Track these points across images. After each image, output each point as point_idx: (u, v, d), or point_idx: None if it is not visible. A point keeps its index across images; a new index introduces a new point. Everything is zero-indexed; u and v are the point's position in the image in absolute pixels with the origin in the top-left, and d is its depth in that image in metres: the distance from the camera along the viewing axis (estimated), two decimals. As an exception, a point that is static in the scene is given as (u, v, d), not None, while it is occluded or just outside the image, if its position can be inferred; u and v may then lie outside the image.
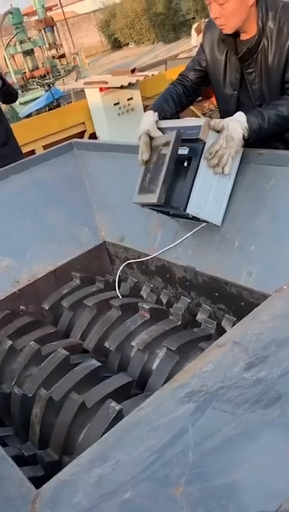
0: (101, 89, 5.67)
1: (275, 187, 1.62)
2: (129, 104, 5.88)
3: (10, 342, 1.75)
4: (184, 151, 1.65)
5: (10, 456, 1.13)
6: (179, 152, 1.63)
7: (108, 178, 2.29)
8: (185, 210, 1.61)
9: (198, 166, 1.61)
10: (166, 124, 1.77)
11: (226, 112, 1.89)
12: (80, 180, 2.37)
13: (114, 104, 5.78)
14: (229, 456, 0.82)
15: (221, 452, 0.84)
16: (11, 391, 1.58)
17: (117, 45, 23.40)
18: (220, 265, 1.71)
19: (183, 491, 0.78)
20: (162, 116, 1.82)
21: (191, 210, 1.62)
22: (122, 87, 5.65)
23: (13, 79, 11.76)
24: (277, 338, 1.15)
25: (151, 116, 1.77)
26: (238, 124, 1.61)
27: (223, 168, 1.61)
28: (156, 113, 1.80)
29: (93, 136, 5.98)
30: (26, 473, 1.10)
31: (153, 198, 1.62)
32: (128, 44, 22.68)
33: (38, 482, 1.03)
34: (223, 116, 1.87)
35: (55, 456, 1.39)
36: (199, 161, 1.61)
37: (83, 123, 5.93)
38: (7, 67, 12.39)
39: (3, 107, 3.45)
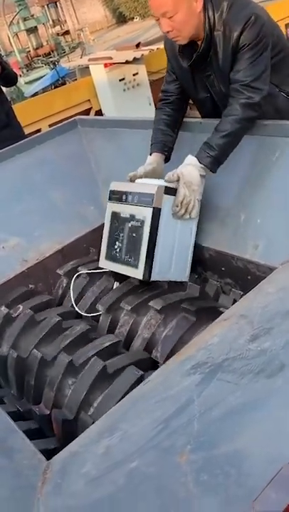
0: (106, 65, 5.58)
1: (281, 159, 1.60)
2: (134, 80, 5.78)
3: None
4: (133, 211, 1.70)
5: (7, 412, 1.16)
6: (128, 213, 1.70)
7: (113, 154, 2.27)
8: (149, 278, 1.64)
9: (151, 231, 1.63)
10: (120, 186, 1.80)
11: (207, 114, 1.93)
12: (85, 158, 2.36)
13: (120, 80, 5.69)
14: (232, 425, 0.83)
15: (224, 421, 0.85)
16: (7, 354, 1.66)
17: (122, 19, 22.94)
18: (226, 240, 1.71)
19: (187, 459, 0.80)
20: (167, 152, 1.87)
21: (155, 277, 1.66)
22: (127, 62, 5.55)
23: (17, 58, 11.63)
24: (282, 309, 1.16)
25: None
26: (191, 167, 1.65)
27: (190, 214, 1.67)
28: (162, 156, 1.86)
29: (99, 113, 5.92)
30: (37, 446, 1.13)
31: (137, 274, 1.66)
32: (133, 18, 22.22)
33: (48, 454, 1.07)
34: (204, 117, 1.95)
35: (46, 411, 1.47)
36: (155, 226, 1.63)
37: (88, 100, 5.86)
38: (11, 45, 12.25)
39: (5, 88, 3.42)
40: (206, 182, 1.70)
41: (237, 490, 0.68)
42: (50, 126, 5.08)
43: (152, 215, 1.63)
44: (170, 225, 1.68)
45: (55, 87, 8.46)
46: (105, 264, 1.81)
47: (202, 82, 1.81)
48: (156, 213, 1.63)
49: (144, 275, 1.63)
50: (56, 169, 2.30)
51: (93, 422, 1.23)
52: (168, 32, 1.64)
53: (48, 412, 1.45)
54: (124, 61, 5.54)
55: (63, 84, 8.55)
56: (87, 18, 22.87)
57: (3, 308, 1.84)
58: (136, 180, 1.81)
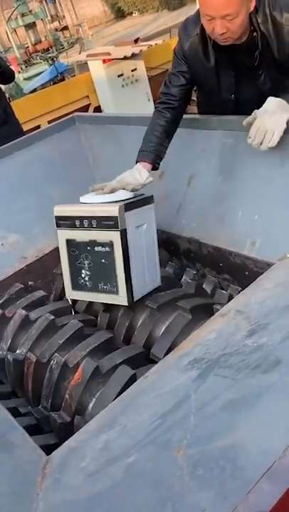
0: (104, 61, 5.57)
1: (279, 155, 1.60)
2: (133, 75, 5.77)
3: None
4: (93, 236, 1.60)
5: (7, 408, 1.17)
6: (86, 239, 1.61)
7: (111, 151, 2.28)
8: (133, 301, 1.57)
9: (124, 254, 1.55)
10: (67, 211, 1.68)
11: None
12: (83, 155, 2.36)
13: (118, 76, 5.68)
14: (228, 420, 0.84)
15: (221, 416, 0.86)
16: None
17: (120, 14, 22.85)
18: (224, 236, 1.72)
19: (184, 454, 0.81)
20: (157, 165, 1.76)
21: (137, 297, 1.59)
22: (125, 57, 5.54)
23: (16, 54, 11.60)
24: (279, 305, 1.16)
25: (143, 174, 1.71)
26: (271, 99, 1.54)
27: (269, 143, 1.50)
28: (150, 168, 1.73)
29: (98, 109, 5.91)
30: (37, 441, 1.14)
31: (120, 301, 1.57)
32: (132, 13, 22.13)
33: (48, 449, 1.08)
34: None
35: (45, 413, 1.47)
36: (126, 248, 1.56)
37: (87, 96, 5.85)
38: (9, 41, 12.21)
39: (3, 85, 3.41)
40: (204, 180, 1.70)
41: (232, 483, 0.69)
42: (49, 122, 5.08)
43: (121, 238, 1.54)
44: (136, 240, 1.60)
45: (54, 83, 8.44)
46: (75, 295, 1.70)
47: (229, 83, 1.76)
48: (124, 235, 1.55)
49: (128, 300, 1.56)
50: (54, 166, 2.30)
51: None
52: (222, 34, 1.54)
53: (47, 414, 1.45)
54: (122, 57, 5.53)
55: (62, 80, 8.53)
56: (86, 13, 22.78)
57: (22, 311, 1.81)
58: (80, 198, 1.71)
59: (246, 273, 1.65)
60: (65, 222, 1.66)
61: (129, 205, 1.58)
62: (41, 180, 2.25)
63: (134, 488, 0.82)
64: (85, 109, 5.82)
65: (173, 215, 1.91)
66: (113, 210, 1.54)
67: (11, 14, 11.90)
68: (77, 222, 1.62)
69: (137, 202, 1.65)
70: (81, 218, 1.61)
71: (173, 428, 0.90)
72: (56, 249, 2.10)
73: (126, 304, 1.56)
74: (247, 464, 0.71)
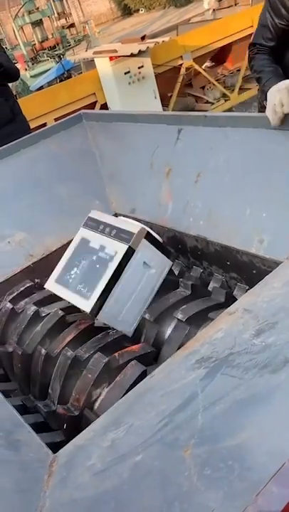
0: (111, 58, 5.56)
1: (288, 152, 1.59)
2: (140, 73, 5.76)
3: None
4: (105, 243, 1.59)
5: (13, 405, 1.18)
6: (98, 244, 1.61)
7: (118, 148, 2.27)
8: (96, 315, 1.53)
9: (117, 269, 1.53)
10: (101, 216, 1.71)
11: None
12: (90, 152, 2.36)
13: (125, 73, 5.67)
14: (236, 420, 0.84)
15: (228, 416, 0.86)
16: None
17: (127, 11, 22.82)
18: (231, 234, 1.71)
19: (191, 453, 0.80)
20: None
21: (101, 317, 1.54)
22: (132, 55, 5.53)
23: (23, 51, 11.62)
24: (287, 304, 1.15)
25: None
26: None
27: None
28: None
29: (105, 106, 5.91)
30: (44, 439, 1.14)
31: (85, 306, 1.53)
32: (138, 10, 22.08)
33: (54, 447, 1.08)
34: None
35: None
36: (123, 265, 1.54)
37: (94, 94, 5.84)
38: (16, 39, 12.23)
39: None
40: (211, 177, 1.70)
41: (240, 484, 0.68)
42: (55, 120, 5.08)
43: (125, 253, 1.54)
44: (137, 273, 1.59)
45: (60, 81, 8.45)
46: (53, 287, 1.67)
47: None
48: (130, 253, 1.54)
49: (92, 309, 1.51)
50: (61, 163, 2.30)
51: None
52: None
53: (54, 408, 1.46)
54: (129, 54, 5.52)
55: (69, 77, 8.54)
56: (93, 11, 22.77)
57: (8, 304, 1.85)
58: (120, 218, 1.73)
59: (254, 271, 1.64)
60: (92, 223, 1.70)
61: (151, 238, 1.60)
62: (48, 178, 2.25)
63: (141, 488, 0.82)
64: (92, 106, 5.82)
65: (180, 213, 1.90)
66: (134, 227, 1.57)
67: (18, 11, 11.92)
68: (101, 227, 1.65)
69: (160, 244, 1.66)
70: (106, 224, 1.64)
71: (180, 427, 0.90)
72: (62, 247, 2.11)
73: (88, 310, 1.52)
74: (256, 465, 0.70)
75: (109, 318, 1.56)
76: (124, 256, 1.54)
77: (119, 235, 1.58)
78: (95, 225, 1.69)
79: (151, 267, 1.63)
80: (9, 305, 1.83)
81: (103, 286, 1.52)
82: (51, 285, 1.67)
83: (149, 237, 1.60)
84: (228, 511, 0.67)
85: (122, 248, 1.55)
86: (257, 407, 0.84)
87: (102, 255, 1.58)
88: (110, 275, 1.52)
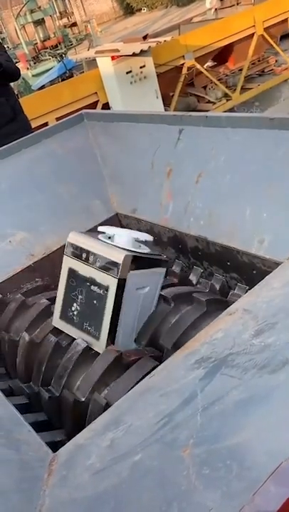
0: (113, 58, 5.57)
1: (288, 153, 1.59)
2: (141, 72, 5.77)
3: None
4: (94, 275, 1.53)
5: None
6: (87, 275, 1.55)
7: (119, 148, 2.27)
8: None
9: (116, 303, 1.49)
10: (80, 240, 1.60)
11: None
12: (91, 152, 2.36)
13: (127, 73, 5.69)
14: (235, 420, 0.84)
15: (227, 416, 0.86)
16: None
17: (129, 10, 22.83)
18: (231, 234, 1.71)
19: (190, 453, 0.81)
20: None
21: (118, 347, 1.52)
22: (134, 54, 5.54)
23: (25, 50, 11.63)
24: (287, 304, 1.16)
25: None
26: None
27: None
28: None
29: (106, 106, 5.92)
30: (44, 438, 1.14)
31: (98, 347, 1.51)
32: (141, 9, 22.08)
33: (55, 447, 1.08)
34: None
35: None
36: (120, 297, 1.50)
37: (96, 93, 5.85)
38: (18, 38, 12.24)
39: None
40: (212, 178, 1.70)
41: (238, 483, 0.69)
42: (57, 119, 5.09)
43: (117, 287, 1.48)
44: (133, 298, 1.55)
45: (62, 80, 8.46)
46: (60, 325, 1.63)
47: None
48: (121, 284, 1.50)
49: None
50: (63, 163, 2.31)
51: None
52: None
53: (58, 395, 1.46)
54: (131, 53, 5.53)
55: (70, 76, 8.55)
56: (95, 10, 22.76)
57: (18, 295, 1.88)
58: (99, 228, 1.65)
59: (254, 272, 1.64)
60: (74, 251, 1.61)
61: (138, 259, 1.53)
62: (49, 178, 2.26)
63: (140, 487, 0.82)
64: (94, 105, 5.83)
65: (181, 213, 1.91)
66: (118, 257, 1.49)
67: (20, 11, 11.94)
68: (84, 255, 1.57)
69: (149, 260, 1.59)
70: (89, 253, 1.56)
71: (179, 427, 0.90)
72: (63, 247, 2.11)
73: (101, 351, 1.50)
74: (254, 465, 0.71)
75: (124, 346, 1.54)
76: (117, 290, 1.49)
77: (106, 266, 1.51)
78: (77, 252, 1.60)
79: (145, 286, 1.58)
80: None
81: (108, 325, 1.49)
82: (57, 322, 1.65)
83: (135, 263, 1.52)
84: (226, 511, 0.68)
85: (112, 282, 1.49)
86: (256, 407, 0.85)
87: (95, 289, 1.53)
88: (111, 312, 1.49)
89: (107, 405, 1.26)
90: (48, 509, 0.88)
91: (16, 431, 1.14)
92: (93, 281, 1.53)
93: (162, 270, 1.65)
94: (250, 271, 1.66)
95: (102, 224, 2.17)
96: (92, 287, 1.54)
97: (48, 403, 1.46)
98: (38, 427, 1.38)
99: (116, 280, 1.48)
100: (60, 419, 1.46)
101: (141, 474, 0.85)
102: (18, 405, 1.49)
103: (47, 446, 1.08)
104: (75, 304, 1.58)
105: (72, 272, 1.60)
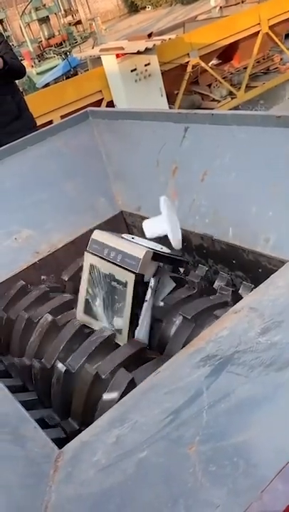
0: (117, 56, 5.56)
1: (294, 151, 1.59)
2: (146, 70, 5.76)
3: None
4: (113, 270, 1.56)
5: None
6: (107, 271, 1.58)
7: (124, 146, 2.27)
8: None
9: (134, 298, 1.51)
10: (104, 237, 1.63)
11: None
12: (96, 150, 2.36)
13: (131, 71, 5.67)
14: (241, 417, 0.84)
15: (233, 413, 0.86)
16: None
17: (134, 8, 22.81)
18: (237, 232, 1.71)
19: (196, 450, 0.81)
20: None
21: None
22: (138, 52, 5.53)
23: (29, 48, 11.63)
24: (293, 303, 1.16)
25: None
26: None
27: None
28: None
29: (111, 104, 5.91)
30: (49, 435, 1.15)
31: (121, 340, 1.55)
32: (145, 7, 22.05)
33: (60, 443, 1.09)
34: None
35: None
36: (135, 294, 1.52)
37: (100, 91, 5.85)
38: (23, 36, 12.25)
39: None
40: (217, 176, 1.70)
41: (244, 481, 0.69)
42: (62, 117, 5.09)
43: (135, 282, 1.51)
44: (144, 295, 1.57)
45: (67, 78, 8.45)
46: (85, 319, 1.67)
47: None
48: (140, 280, 1.52)
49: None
50: (67, 161, 2.31)
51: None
52: None
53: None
54: (135, 51, 5.52)
55: (75, 74, 8.55)
56: (99, 8, 22.74)
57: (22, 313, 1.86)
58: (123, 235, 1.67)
59: (259, 270, 1.64)
60: (96, 247, 1.65)
61: (159, 257, 1.56)
62: (54, 175, 2.26)
63: (146, 484, 0.83)
64: (98, 103, 5.83)
65: (186, 211, 1.90)
66: (139, 252, 1.52)
67: (25, 8, 11.94)
68: (106, 251, 1.60)
69: (170, 259, 1.62)
70: (110, 248, 1.59)
71: (185, 424, 0.90)
72: (68, 245, 2.12)
73: (122, 344, 1.54)
74: (260, 462, 0.71)
75: (143, 339, 1.57)
76: (135, 285, 1.51)
77: (125, 260, 1.54)
78: (99, 248, 1.63)
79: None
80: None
81: (128, 320, 1.53)
82: (82, 317, 1.67)
83: (156, 257, 1.55)
84: (233, 508, 0.68)
85: (131, 278, 1.52)
86: (262, 405, 0.85)
87: (116, 285, 1.57)
88: (130, 307, 1.52)
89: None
90: (54, 505, 0.89)
91: (21, 427, 1.14)
92: (113, 277, 1.57)
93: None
94: (255, 269, 1.65)
95: (107, 222, 2.18)
96: (113, 283, 1.57)
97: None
98: (44, 423, 1.38)
99: (134, 275, 1.50)
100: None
101: (147, 471, 0.86)
102: (24, 402, 1.49)
103: (53, 442, 1.09)
104: (98, 299, 1.62)
105: (92, 268, 1.64)
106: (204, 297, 1.65)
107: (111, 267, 1.58)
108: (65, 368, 1.46)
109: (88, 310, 1.66)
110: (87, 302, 1.66)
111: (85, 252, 1.68)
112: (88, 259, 1.67)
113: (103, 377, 1.38)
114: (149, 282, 1.58)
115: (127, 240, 1.64)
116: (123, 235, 1.68)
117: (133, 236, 1.68)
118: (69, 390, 1.47)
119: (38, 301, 1.85)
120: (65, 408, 1.48)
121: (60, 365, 1.48)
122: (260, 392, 0.89)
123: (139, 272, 1.51)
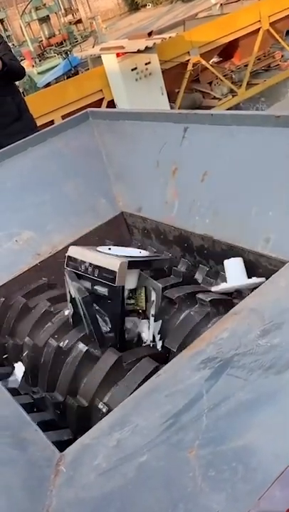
0: (118, 55, 5.55)
1: (294, 151, 1.58)
2: (147, 69, 5.75)
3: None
4: (94, 284, 1.56)
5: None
6: (88, 285, 1.57)
7: (124, 147, 2.27)
8: (124, 350, 1.53)
9: (119, 308, 1.52)
10: (78, 253, 1.64)
11: None
12: (96, 151, 2.36)
13: (132, 70, 5.66)
14: (241, 421, 0.84)
15: (233, 417, 0.86)
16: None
17: (134, 6, 22.76)
18: (237, 233, 1.70)
19: (196, 454, 0.81)
20: None
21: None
22: (138, 51, 5.52)
23: (30, 48, 11.62)
24: (293, 304, 1.15)
25: None
26: None
27: None
28: None
29: (112, 103, 5.90)
30: (50, 438, 1.15)
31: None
32: (146, 5, 22.01)
33: (61, 446, 1.09)
34: None
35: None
36: (120, 303, 1.52)
37: (101, 90, 5.84)
38: (24, 35, 12.24)
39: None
40: (217, 176, 1.69)
41: (243, 486, 0.69)
42: (63, 117, 5.09)
43: (115, 294, 1.51)
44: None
45: (67, 77, 8.44)
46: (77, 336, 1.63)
47: None
48: (120, 291, 1.51)
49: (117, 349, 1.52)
50: (68, 162, 2.31)
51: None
52: None
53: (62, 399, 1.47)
54: (136, 50, 5.51)
55: (76, 73, 8.54)
56: (100, 6, 22.70)
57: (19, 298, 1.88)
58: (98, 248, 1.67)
59: (260, 271, 1.63)
60: (73, 263, 1.65)
61: (135, 264, 1.55)
62: (55, 177, 2.26)
63: (146, 488, 0.83)
64: (99, 103, 5.82)
65: (186, 212, 1.90)
66: (114, 264, 1.50)
67: (25, 8, 11.93)
68: (83, 267, 1.60)
69: (147, 262, 1.62)
70: (86, 264, 1.59)
71: (185, 428, 0.90)
72: (69, 246, 2.11)
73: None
74: (259, 466, 0.71)
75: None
76: (115, 297, 1.52)
77: (103, 275, 1.53)
78: (76, 265, 1.63)
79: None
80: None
81: (115, 330, 1.53)
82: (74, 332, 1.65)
83: (132, 264, 1.54)
84: (232, 513, 0.68)
85: (112, 290, 1.51)
86: (261, 408, 0.85)
87: (100, 296, 1.56)
88: (116, 318, 1.53)
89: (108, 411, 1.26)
90: (55, 509, 0.89)
91: (22, 430, 1.15)
92: (95, 291, 1.56)
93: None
94: (256, 270, 1.65)
95: (107, 223, 2.18)
96: (96, 295, 1.56)
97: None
98: (45, 426, 1.38)
99: (114, 288, 1.50)
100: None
101: (147, 475, 0.86)
102: (25, 405, 1.50)
103: (54, 445, 1.09)
104: (85, 316, 1.58)
105: (75, 286, 1.61)
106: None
107: (91, 282, 1.57)
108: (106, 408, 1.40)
109: (77, 325, 1.63)
110: (75, 318, 1.63)
111: (65, 269, 1.68)
112: (68, 276, 1.65)
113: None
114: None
115: (103, 252, 1.62)
116: (98, 248, 1.67)
117: (110, 247, 1.68)
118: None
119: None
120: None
121: (100, 405, 1.42)
122: (260, 396, 0.89)
123: (118, 284, 1.49)
